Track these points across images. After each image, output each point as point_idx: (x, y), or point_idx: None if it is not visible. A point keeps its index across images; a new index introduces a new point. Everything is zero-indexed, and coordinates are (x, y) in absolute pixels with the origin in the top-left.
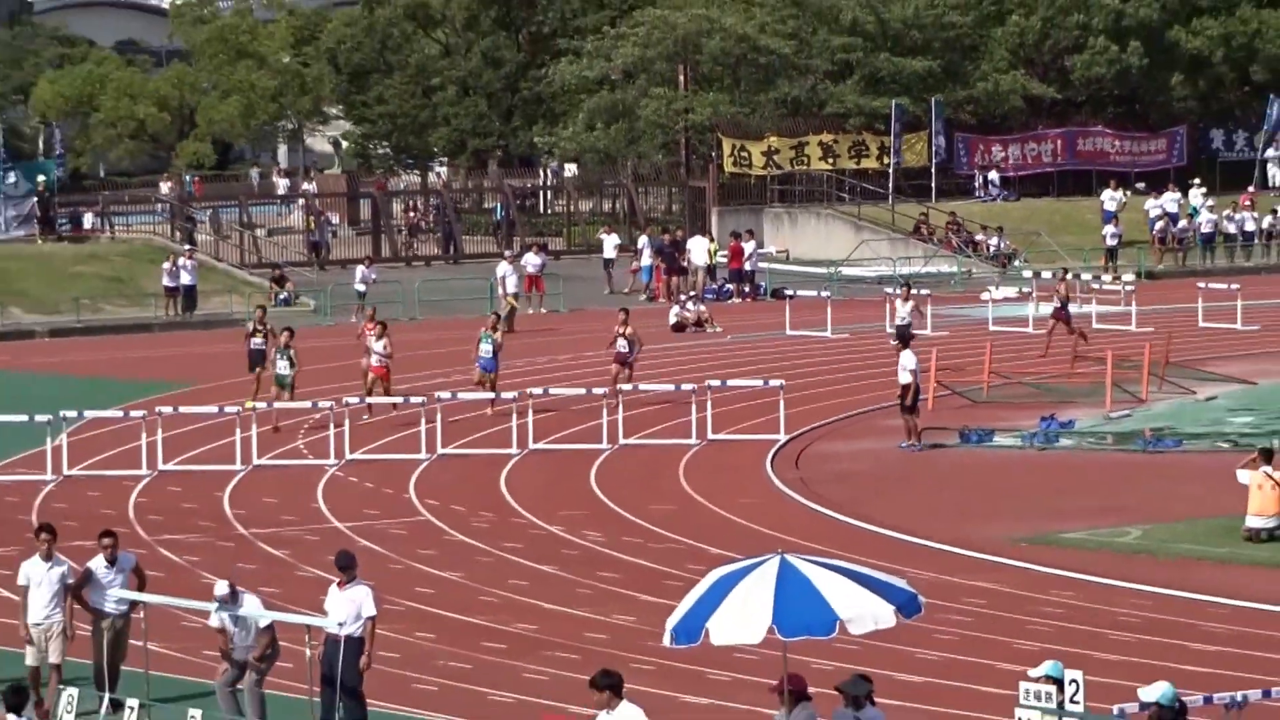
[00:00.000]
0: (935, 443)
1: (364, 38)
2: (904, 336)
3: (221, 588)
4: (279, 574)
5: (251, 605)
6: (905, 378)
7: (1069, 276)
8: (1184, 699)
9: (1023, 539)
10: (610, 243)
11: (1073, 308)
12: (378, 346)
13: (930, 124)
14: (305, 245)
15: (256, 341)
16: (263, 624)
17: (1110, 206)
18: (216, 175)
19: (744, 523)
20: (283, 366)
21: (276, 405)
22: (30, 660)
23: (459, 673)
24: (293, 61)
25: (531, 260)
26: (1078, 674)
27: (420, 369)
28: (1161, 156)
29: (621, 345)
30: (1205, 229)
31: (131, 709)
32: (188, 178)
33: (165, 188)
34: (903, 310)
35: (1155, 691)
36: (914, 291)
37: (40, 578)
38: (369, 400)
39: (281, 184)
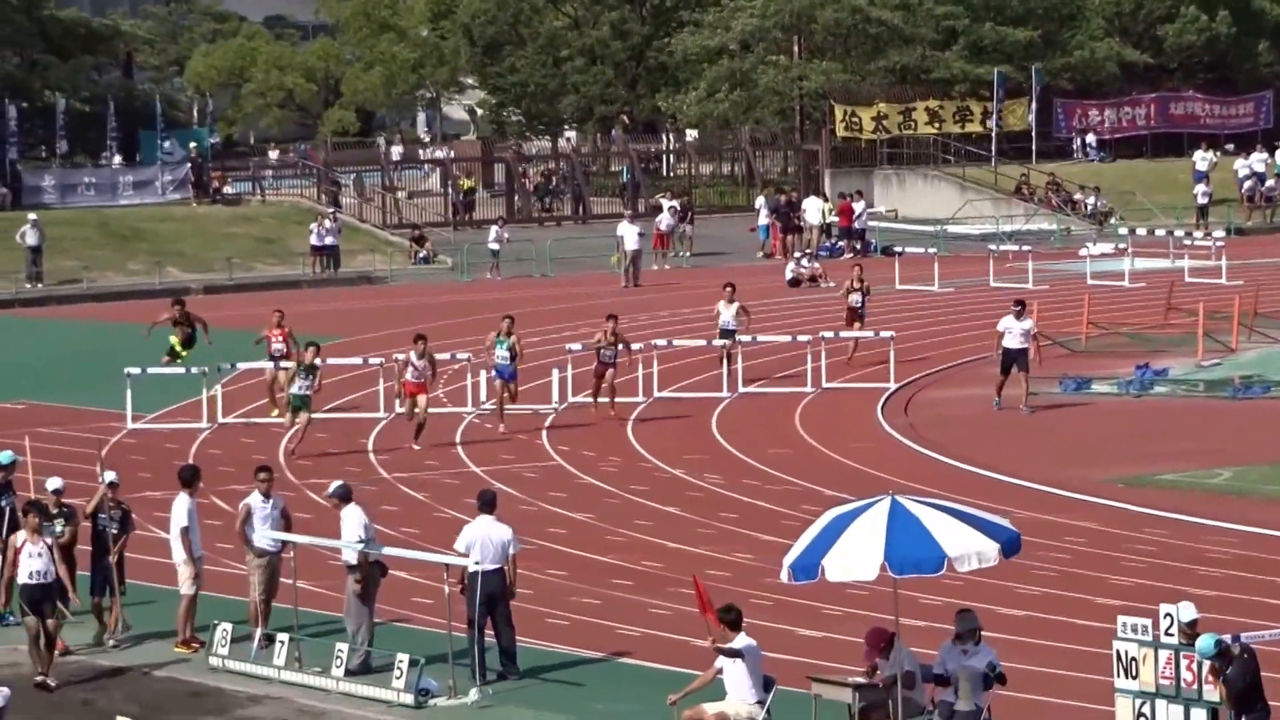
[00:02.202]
0: (1034, 390)
1: (497, 11)
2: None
3: (336, 486)
4: (419, 515)
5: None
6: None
7: None
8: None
9: (1118, 480)
10: (667, 206)
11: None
12: (420, 363)
13: (1030, 90)
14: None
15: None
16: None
17: (1202, 167)
18: (359, 142)
19: (856, 466)
20: (301, 386)
21: (294, 427)
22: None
23: (589, 608)
24: (431, 34)
25: (665, 219)
26: (1173, 608)
27: (550, 322)
28: (1249, 119)
29: (606, 355)
30: None
31: (282, 643)
32: (302, 146)
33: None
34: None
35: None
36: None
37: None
38: (410, 414)
39: (423, 153)
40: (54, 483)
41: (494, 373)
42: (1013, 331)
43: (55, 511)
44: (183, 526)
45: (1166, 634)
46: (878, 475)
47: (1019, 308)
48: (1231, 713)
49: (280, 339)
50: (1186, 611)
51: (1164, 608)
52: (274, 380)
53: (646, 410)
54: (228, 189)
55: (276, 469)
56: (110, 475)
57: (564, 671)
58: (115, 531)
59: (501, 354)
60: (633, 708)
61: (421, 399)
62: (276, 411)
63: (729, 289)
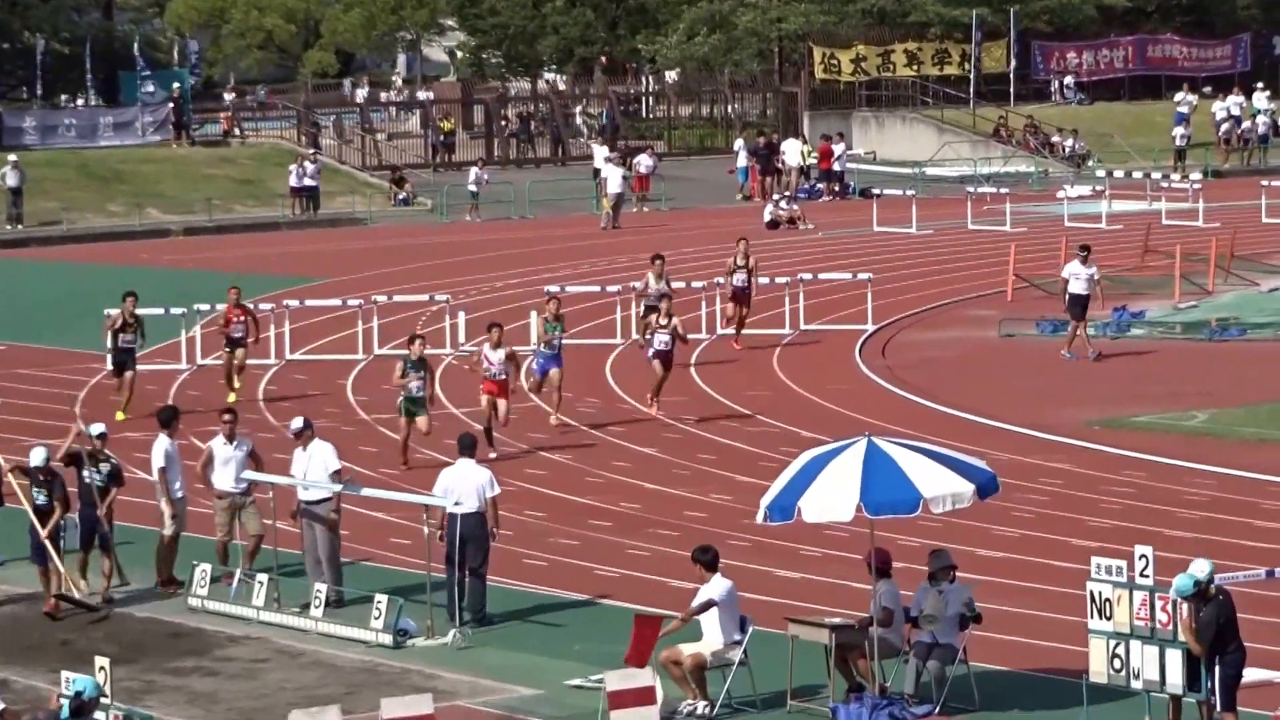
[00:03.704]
0: (1011, 332)
1: None
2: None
3: (298, 422)
4: (398, 457)
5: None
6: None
7: None
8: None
9: (1095, 422)
10: (600, 153)
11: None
12: (495, 356)
13: (1008, 32)
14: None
15: (126, 339)
16: (332, 466)
17: (1183, 110)
18: (332, 84)
19: (834, 407)
20: (416, 387)
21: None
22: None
23: (568, 549)
24: None
25: (644, 161)
26: (1147, 549)
27: (532, 263)
28: (1226, 62)
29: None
30: (1263, 130)
31: (261, 583)
32: (261, 90)
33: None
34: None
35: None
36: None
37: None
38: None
39: (360, 94)
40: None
41: (536, 367)
42: (1079, 277)
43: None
44: (160, 468)
45: (1141, 575)
46: (855, 417)
47: (1084, 253)
48: (1204, 653)
49: (240, 320)
50: (1201, 568)
51: (1139, 549)
52: (235, 367)
53: (624, 352)
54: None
55: (255, 413)
56: (98, 427)
57: (542, 613)
58: (101, 485)
59: (548, 347)
60: (611, 648)
61: (502, 403)
62: (234, 396)
63: (658, 261)
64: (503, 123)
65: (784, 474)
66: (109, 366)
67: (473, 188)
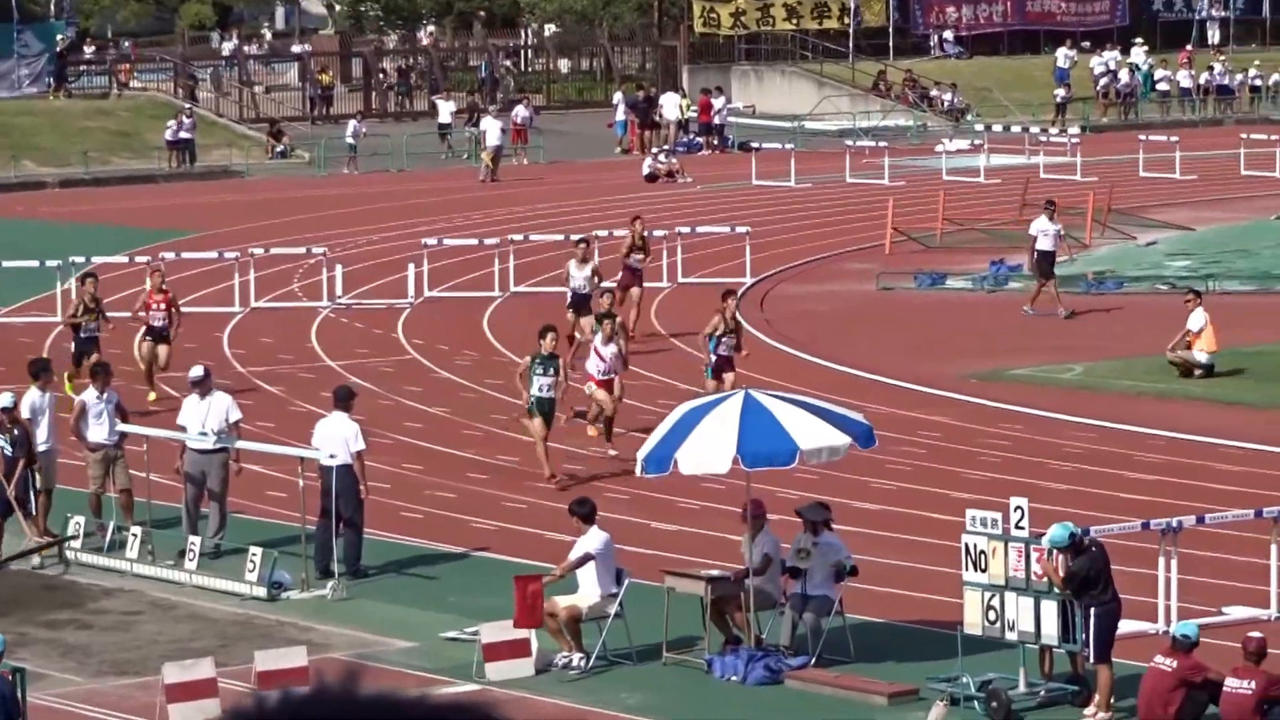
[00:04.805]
0: (889, 286)
1: None
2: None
3: (197, 370)
4: (274, 409)
5: (222, 400)
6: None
7: None
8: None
9: (973, 375)
10: (446, 109)
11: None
12: (607, 350)
13: None
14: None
15: (89, 326)
16: (232, 416)
17: (1064, 64)
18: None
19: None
20: (543, 385)
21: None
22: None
23: (445, 502)
24: None
25: (520, 112)
26: (1023, 502)
27: (410, 216)
28: (1105, 17)
29: (602, 368)
30: (1144, 85)
31: (135, 536)
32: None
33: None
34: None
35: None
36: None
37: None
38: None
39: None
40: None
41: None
42: (1047, 233)
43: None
44: (25, 419)
45: (1016, 527)
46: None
47: (1051, 208)
48: (1071, 600)
49: (161, 307)
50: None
51: (1014, 501)
52: (153, 359)
53: (502, 305)
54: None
55: (131, 365)
56: (5, 399)
57: (419, 565)
58: (9, 454)
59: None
60: (488, 601)
61: (601, 394)
62: (154, 396)
63: (583, 245)
64: (381, 76)
65: (661, 426)
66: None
67: (351, 140)
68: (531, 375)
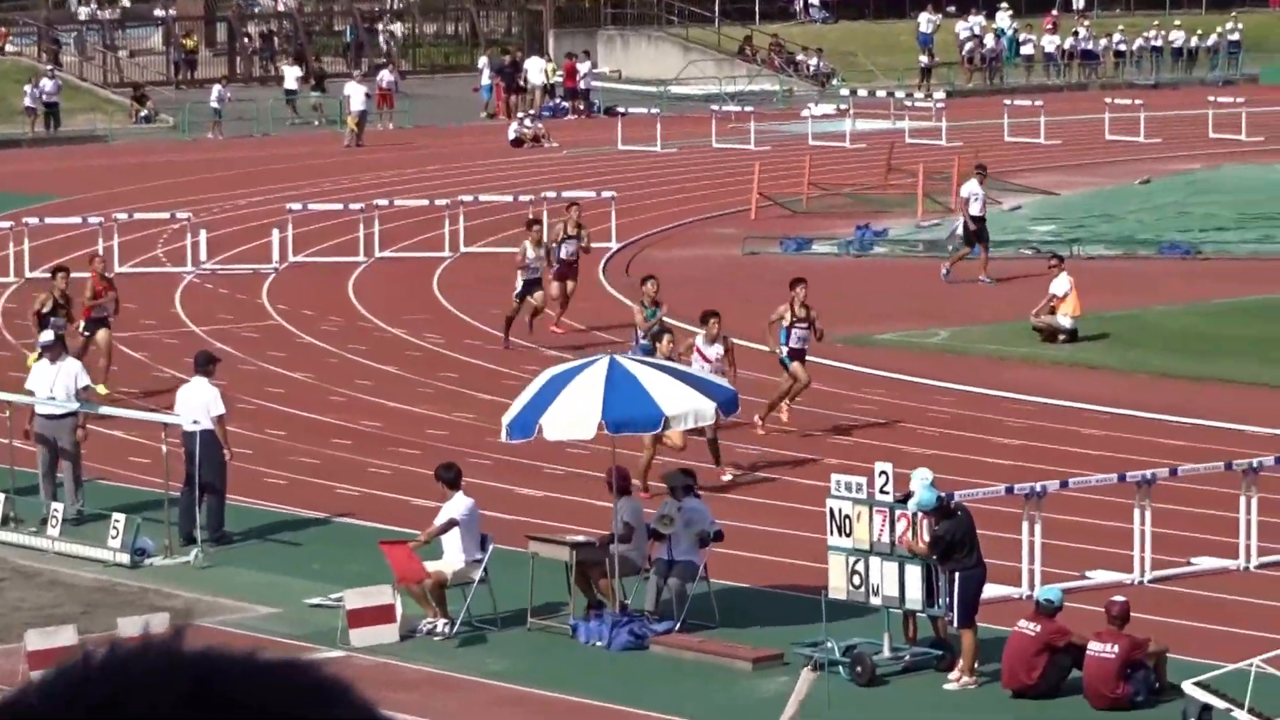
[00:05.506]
0: (754, 250)
1: None
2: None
3: (47, 335)
4: (137, 375)
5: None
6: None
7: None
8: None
9: (838, 340)
10: (291, 74)
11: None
12: (711, 351)
13: None
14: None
15: (56, 323)
16: (81, 382)
17: (926, 29)
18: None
19: (577, 326)
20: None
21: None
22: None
23: (308, 468)
24: None
25: (385, 77)
26: (887, 466)
27: (275, 181)
28: None
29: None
30: (1009, 49)
31: None
32: None
33: None
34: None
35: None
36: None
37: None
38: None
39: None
40: None
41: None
42: (979, 197)
43: None
44: None
45: (881, 492)
46: (598, 335)
47: (982, 172)
48: (935, 564)
49: (100, 299)
50: (924, 476)
51: (879, 466)
52: (106, 348)
53: (367, 270)
54: None
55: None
56: None
57: (283, 531)
58: None
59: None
60: (353, 567)
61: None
62: (104, 390)
63: (537, 227)
64: (245, 40)
65: (525, 392)
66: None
67: (215, 105)
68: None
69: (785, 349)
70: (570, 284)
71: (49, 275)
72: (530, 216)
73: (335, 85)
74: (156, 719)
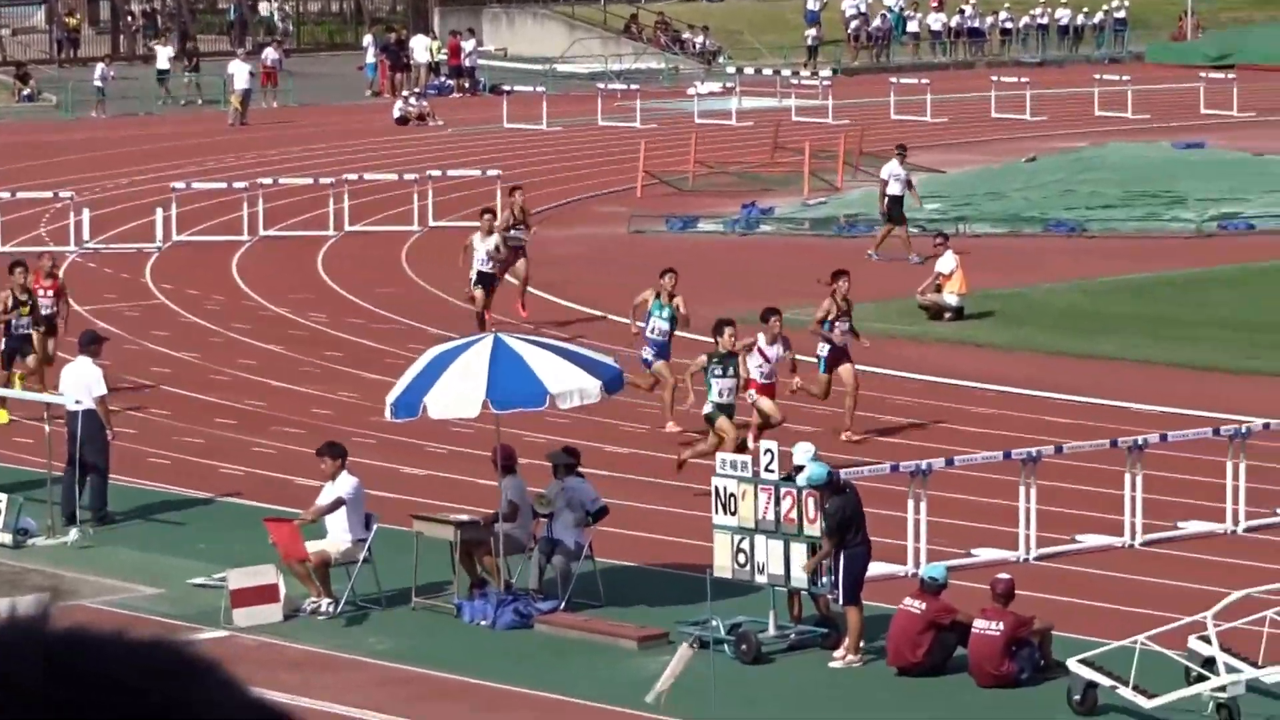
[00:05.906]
0: (640, 229)
1: None
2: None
3: None
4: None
5: None
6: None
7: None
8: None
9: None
10: (164, 54)
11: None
12: (773, 351)
13: None
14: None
15: (20, 323)
16: None
17: (813, 7)
18: None
19: (462, 305)
20: (725, 389)
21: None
22: None
23: (192, 447)
24: None
25: (270, 55)
26: (772, 445)
27: (159, 160)
28: None
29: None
30: (896, 27)
31: None
32: None
33: None
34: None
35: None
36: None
37: None
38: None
39: None
40: None
41: (646, 352)
42: (899, 178)
43: None
44: None
45: (766, 470)
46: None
47: (903, 152)
48: (831, 545)
49: (50, 294)
50: (806, 450)
51: (764, 444)
52: (43, 352)
53: (252, 249)
54: None
55: None
56: None
57: (167, 511)
58: None
59: (659, 324)
60: (237, 547)
61: (766, 402)
62: (20, 380)
63: (488, 216)
64: (129, 19)
65: (409, 370)
66: None
67: (99, 84)
68: (709, 379)
69: (824, 357)
70: (522, 264)
71: (9, 271)
72: (483, 206)
73: (217, 64)
74: (12, 692)
